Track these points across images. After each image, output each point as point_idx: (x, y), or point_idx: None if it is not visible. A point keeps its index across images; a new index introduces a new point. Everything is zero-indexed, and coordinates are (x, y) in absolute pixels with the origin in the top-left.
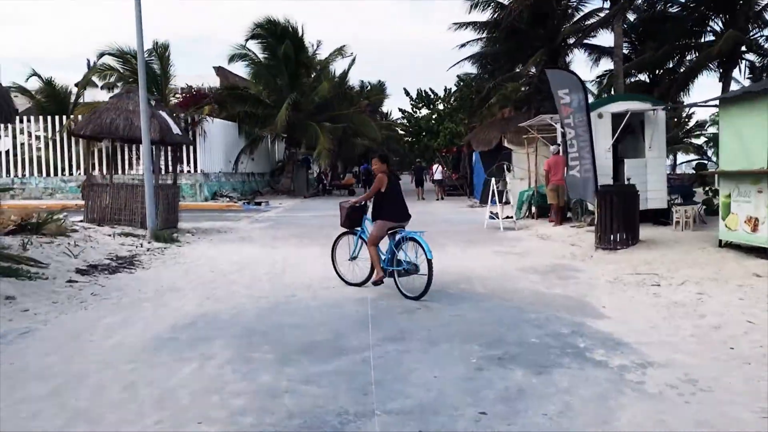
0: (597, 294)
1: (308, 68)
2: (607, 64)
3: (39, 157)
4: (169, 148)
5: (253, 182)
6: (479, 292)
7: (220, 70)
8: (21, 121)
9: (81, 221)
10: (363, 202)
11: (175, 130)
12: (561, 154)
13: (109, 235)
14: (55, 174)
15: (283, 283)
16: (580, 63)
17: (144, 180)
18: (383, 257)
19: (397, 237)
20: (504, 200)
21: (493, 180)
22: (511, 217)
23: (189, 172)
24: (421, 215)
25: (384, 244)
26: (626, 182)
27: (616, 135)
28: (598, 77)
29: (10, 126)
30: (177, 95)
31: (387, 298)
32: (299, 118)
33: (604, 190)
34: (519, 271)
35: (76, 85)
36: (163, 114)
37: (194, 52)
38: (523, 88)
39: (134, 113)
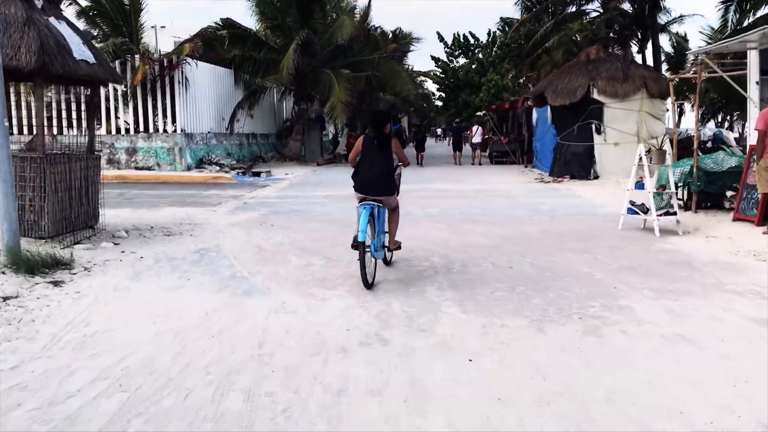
0: None
1: (322, 4)
2: None
3: None
4: (82, 90)
5: (254, 146)
6: None
7: (227, 21)
8: None
9: None
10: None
11: (81, 54)
12: None
13: None
14: None
15: None
16: None
17: None
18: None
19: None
20: (658, 184)
21: (641, 149)
22: (674, 213)
23: (165, 132)
24: (485, 197)
25: None
26: None
27: None
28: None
29: None
30: None
31: None
32: (311, 65)
33: None
34: None
35: None
36: (58, 25)
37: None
38: (591, 28)
39: None
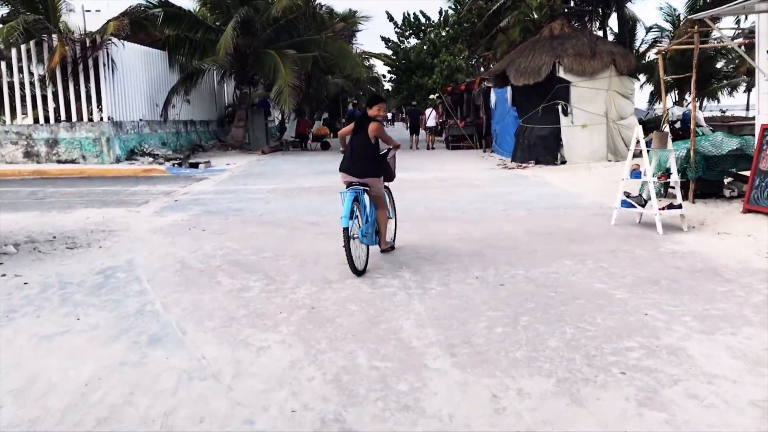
0: None
1: None
2: None
3: None
4: None
5: (193, 134)
6: None
7: (161, 0)
8: None
9: None
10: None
11: None
12: None
13: None
14: None
15: None
16: None
17: None
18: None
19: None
20: (658, 171)
21: (638, 133)
22: (678, 206)
23: (91, 120)
24: (449, 187)
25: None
26: None
27: None
28: None
29: None
30: None
31: None
32: (252, 45)
33: None
34: None
35: None
36: None
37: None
38: (548, 4)
39: None
